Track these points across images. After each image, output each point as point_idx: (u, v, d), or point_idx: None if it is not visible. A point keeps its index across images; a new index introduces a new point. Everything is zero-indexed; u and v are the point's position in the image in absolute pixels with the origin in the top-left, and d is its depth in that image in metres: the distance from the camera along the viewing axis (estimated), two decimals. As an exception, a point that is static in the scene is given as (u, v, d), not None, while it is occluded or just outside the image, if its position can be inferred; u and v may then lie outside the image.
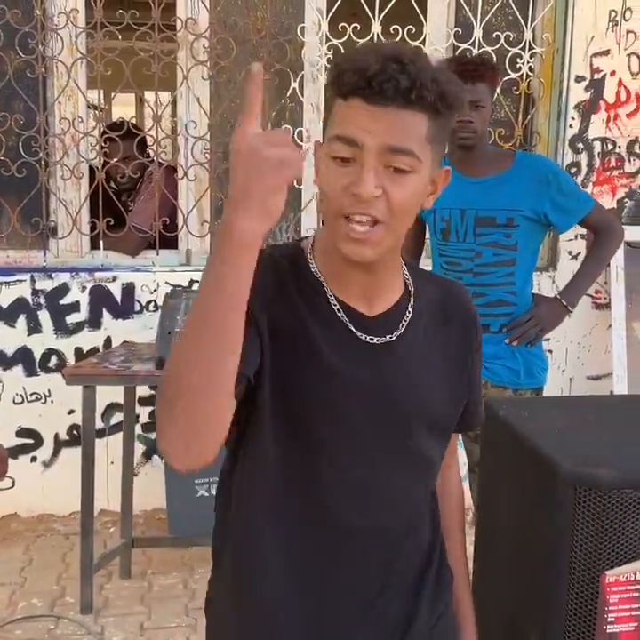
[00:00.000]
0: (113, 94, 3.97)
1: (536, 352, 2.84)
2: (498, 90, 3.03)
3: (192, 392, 1.04)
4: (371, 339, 1.26)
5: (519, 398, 2.59)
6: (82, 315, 3.74)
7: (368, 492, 1.28)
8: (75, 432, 3.78)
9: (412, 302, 1.31)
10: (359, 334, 1.26)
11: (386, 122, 1.13)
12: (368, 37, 3.78)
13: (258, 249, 1.05)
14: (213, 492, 3.83)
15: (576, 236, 4.00)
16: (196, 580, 3.38)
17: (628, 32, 4.00)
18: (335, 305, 1.26)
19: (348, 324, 1.26)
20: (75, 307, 3.73)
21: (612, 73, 4.02)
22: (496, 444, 1.59)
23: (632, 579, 1.23)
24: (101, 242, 3.77)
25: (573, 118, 4.03)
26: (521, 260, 2.79)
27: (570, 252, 4.07)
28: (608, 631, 1.24)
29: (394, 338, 1.28)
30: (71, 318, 3.73)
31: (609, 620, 1.23)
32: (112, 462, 3.77)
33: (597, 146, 4.08)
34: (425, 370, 1.31)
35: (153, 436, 3.89)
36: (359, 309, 1.27)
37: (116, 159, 3.77)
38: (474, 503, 2.70)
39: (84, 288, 3.72)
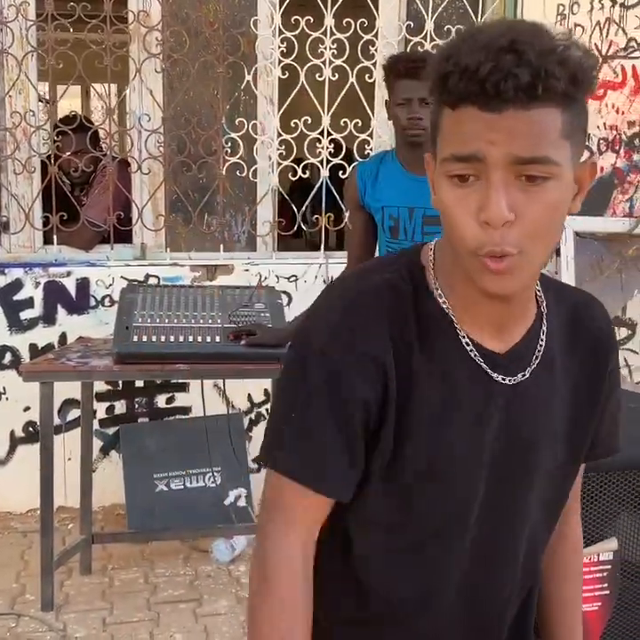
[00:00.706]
0: (65, 88, 3.91)
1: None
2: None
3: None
4: (503, 379, 1.08)
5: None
6: (36, 311, 3.70)
7: (483, 552, 1.12)
8: (31, 429, 3.75)
9: (544, 327, 1.11)
10: (494, 375, 1.07)
11: (510, 128, 0.91)
12: (321, 31, 3.80)
13: None
14: (173, 486, 3.84)
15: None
16: (157, 575, 3.38)
17: (575, 25, 4.07)
18: (468, 344, 1.07)
19: (478, 359, 1.07)
20: (28, 302, 3.69)
21: (561, 66, 4.08)
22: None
23: (596, 560, 1.27)
24: (55, 237, 3.74)
25: (523, 111, 4.08)
26: None
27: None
28: (573, 611, 1.28)
29: (527, 375, 1.09)
30: (25, 314, 3.69)
31: (574, 600, 1.27)
32: (69, 459, 3.74)
33: (547, 138, 4.14)
34: (556, 410, 1.12)
35: (110, 431, 3.88)
36: (491, 348, 1.08)
37: (68, 153, 3.73)
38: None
39: (37, 283, 3.68)
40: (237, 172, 3.85)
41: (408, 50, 3.94)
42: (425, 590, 1.11)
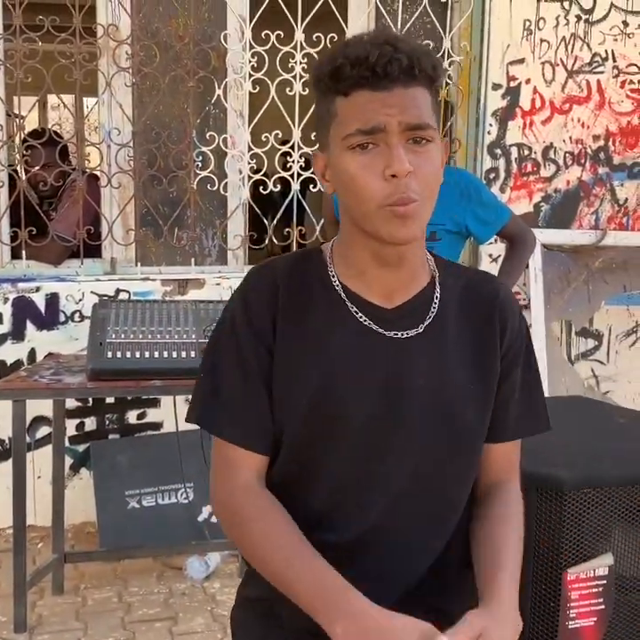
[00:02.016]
0: (35, 101, 3.87)
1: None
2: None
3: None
4: (394, 334, 1.23)
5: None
6: (4, 327, 3.65)
7: (371, 494, 1.24)
8: (-1, 447, 3.70)
9: (438, 291, 1.27)
10: (378, 329, 1.23)
11: (399, 102, 1.13)
12: (291, 45, 3.81)
13: None
14: (144, 503, 3.80)
15: (495, 240, 4.09)
16: (131, 594, 3.33)
17: (541, 41, 4.13)
18: (352, 307, 1.23)
19: (365, 320, 1.23)
20: (-3, 318, 3.64)
21: (528, 81, 4.14)
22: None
23: (592, 575, 1.28)
24: (23, 251, 3.69)
25: (491, 125, 4.14)
26: None
27: (490, 255, 4.18)
28: (570, 627, 1.29)
29: (421, 330, 1.23)
30: (-7, 330, 3.64)
31: (571, 615, 1.28)
32: (39, 476, 3.70)
33: (514, 152, 4.20)
34: (456, 365, 1.25)
35: (80, 448, 3.83)
36: (379, 304, 1.24)
37: (37, 167, 3.69)
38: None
39: (6, 299, 3.63)
40: (208, 186, 3.84)
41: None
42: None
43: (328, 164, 1.21)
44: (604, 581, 1.30)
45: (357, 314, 1.23)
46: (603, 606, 1.32)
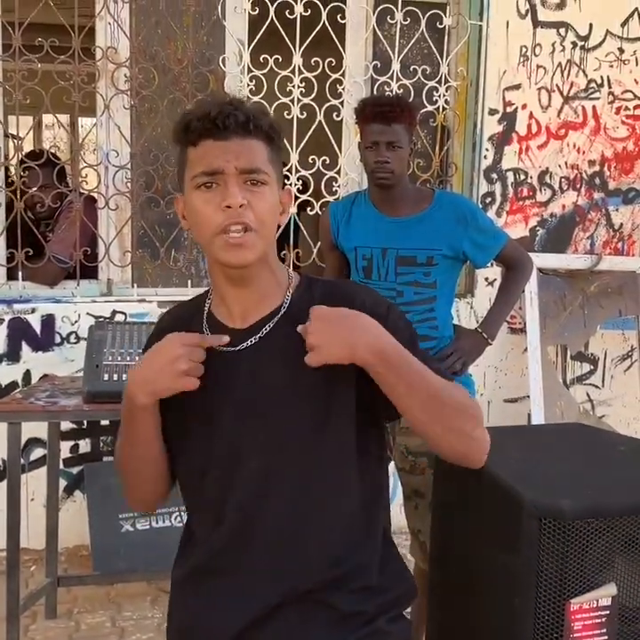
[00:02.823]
0: (35, 121, 3.87)
1: (463, 379, 2.90)
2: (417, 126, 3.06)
3: (132, 481, 1.58)
4: (233, 348, 1.43)
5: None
6: (0, 348, 3.64)
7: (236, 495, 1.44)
8: (-7, 469, 3.67)
9: (280, 314, 1.45)
10: (226, 349, 1.43)
11: (235, 150, 1.37)
12: (289, 69, 3.83)
13: (149, 411, 1.45)
14: (138, 527, 3.77)
15: (491, 264, 4.10)
16: (125, 618, 3.31)
17: (537, 67, 4.16)
18: (206, 328, 1.48)
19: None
20: (-8, 339, 3.62)
21: (524, 106, 4.17)
22: (451, 473, 1.62)
23: (595, 606, 1.28)
24: (20, 273, 3.68)
25: (487, 150, 4.16)
26: (441, 296, 2.84)
27: (486, 279, 4.18)
28: (573, 657, 1.28)
29: (244, 347, 1.43)
30: (-12, 351, 3.63)
31: (574, 646, 1.27)
32: (32, 499, 3.68)
33: (510, 176, 4.22)
34: (279, 378, 1.42)
35: (74, 470, 3.81)
36: (231, 325, 1.46)
37: (34, 188, 3.69)
38: (412, 532, 2.74)
39: (1, 320, 3.62)
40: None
41: (375, 89, 4.00)
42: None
43: (185, 203, 1.44)
44: (608, 612, 1.30)
45: (208, 333, 1.47)
46: (606, 637, 1.31)
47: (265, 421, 1.40)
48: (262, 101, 3.72)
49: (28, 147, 4.23)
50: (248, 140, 1.37)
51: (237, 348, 1.43)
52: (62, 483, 3.71)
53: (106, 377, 2.93)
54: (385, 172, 2.73)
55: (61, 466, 3.67)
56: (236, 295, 1.46)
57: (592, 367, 4.53)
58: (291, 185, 3.93)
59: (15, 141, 3.66)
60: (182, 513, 3.66)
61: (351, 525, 1.41)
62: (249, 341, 1.43)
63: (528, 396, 4.17)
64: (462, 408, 1.38)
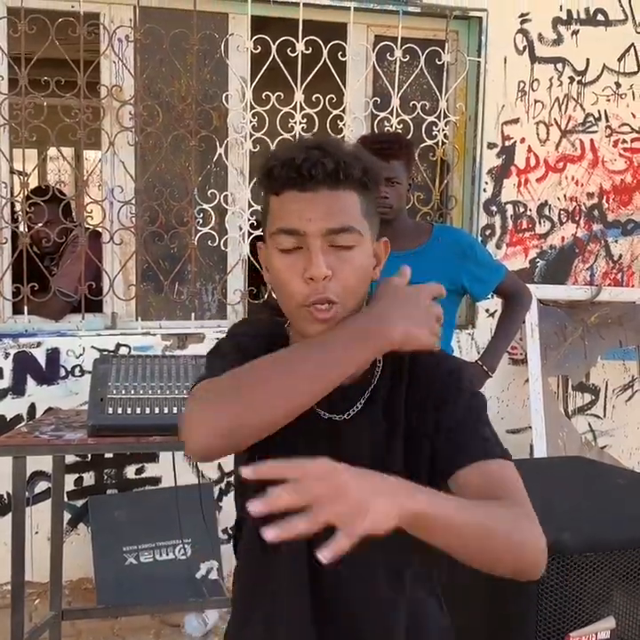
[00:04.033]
0: (42, 156, 3.93)
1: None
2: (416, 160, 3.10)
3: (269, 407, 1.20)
4: (330, 416, 1.29)
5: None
6: (5, 381, 3.66)
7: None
8: (-3, 502, 3.69)
9: (377, 373, 1.31)
10: (319, 411, 1.28)
11: (321, 205, 1.20)
12: (291, 106, 3.89)
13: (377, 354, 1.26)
14: (142, 559, 3.79)
15: (491, 295, 4.15)
16: (128, 651, 3.31)
17: (535, 101, 4.22)
18: None
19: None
20: (-2, 374, 3.66)
21: (522, 140, 4.23)
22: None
23: (594, 639, 1.29)
24: (25, 307, 3.72)
25: (487, 183, 4.21)
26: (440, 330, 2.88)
27: (487, 310, 4.22)
28: (573, 690, 1.29)
29: (349, 416, 1.28)
30: (-6, 385, 3.66)
31: (574, 679, 1.29)
32: (37, 532, 3.68)
33: (510, 209, 4.27)
34: (378, 449, 1.27)
35: (79, 503, 3.82)
36: None
37: (40, 224, 3.74)
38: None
39: (7, 354, 3.65)
40: (209, 242, 3.90)
41: (375, 125, 4.06)
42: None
43: (266, 257, 1.29)
44: (607, 645, 1.32)
45: None
46: (605, 670, 1.33)
47: None
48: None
49: (32, 179, 4.27)
50: (338, 192, 1.21)
51: (337, 417, 1.29)
52: (67, 515, 3.72)
53: (110, 410, 2.95)
54: (384, 207, 2.77)
55: (65, 498, 3.69)
56: None
57: (593, 397, 4.55)
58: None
59: (21, 177, 3.72)
60: (186, 546, 3.67)
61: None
62: (348, 412, 1.29)
63: (530, 427, 4.19)
64: (514, 532, 1.17)
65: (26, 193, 3.76)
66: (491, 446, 1.27)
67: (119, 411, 2.96)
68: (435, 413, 1.28)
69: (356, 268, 1.22)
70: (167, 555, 3.74)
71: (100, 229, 3.86)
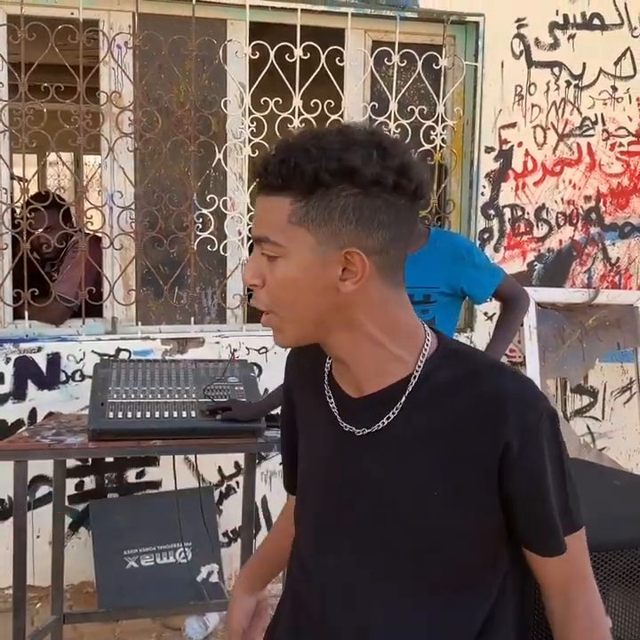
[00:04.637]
0: (42, 162, 3.95)
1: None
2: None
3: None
4: (351, 429, 1.24)
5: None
6: (6, 386, 3.68)
7: (332, 589, 1.27)
8: (-2, 506, 3.71)
9: (410, 389, 1.21)
10: (340, 422, 1.25)
11: (256, 212, 1.19)
12: (289, 111, 3.91)
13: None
14: (143, 563, 3.80)
15: (490, 298, 4.17)
16: (130, 655, 3.33)
17: (532, 106, 4.25)
18: (328, 393, 1.29)
19: (335, 410, 1.27)
20: (-1, 378, 3.67)
21: (520, 144, 4.25)
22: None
23: (590, 638, 1.30)
24: (26, 312, 3.74)
25: (484, 187, 4.23)
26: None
27: (485, 314, 4.24)
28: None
29: (375, 429, 1.22)
30: (-5, 390, 3.68)
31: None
32: (38, 536, 3.70)
33: (508, 212, 4.29)
34: (411, 468, 1.20)
35: (80, 507, 3.84)
36: (349, 393, 1.26)
37: (40, 229, 3.76)
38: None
39: (8, 359, 3.67)
40: (208, 247, 3.92)
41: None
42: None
43: None
44: (603, 645, 1.33)
45: (331, 402, 1.28)
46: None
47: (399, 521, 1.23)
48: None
49: (32, 184, 4.30)
50: (270, 198, 1.15)
51: (358, 431, 1.24)
52: (67, 520, 3.74)
53: (111, 415, 2.97)
54: None
55: (66, 503, 3.70)
56: (342, 368, 1.27)
57: (592, 400, 4.57)
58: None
59: (22, 183, 3.74)
60: (186, 549, 3.69)
61: None
62: (373, 427, 1.22)
63: (528, 429, 4.20)
64: None
65: (26, 199, 3.78)
66: (546, 542, 1.21)
67: (120, 415, 2.97)
68: (491, 469, 1.16)
69: (279, 280, 1.16)
70: (168, 558, 3.75)
71: (99, 235, 3.88)
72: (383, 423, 1.21)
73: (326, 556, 1.28)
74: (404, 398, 1.21)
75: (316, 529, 1.32)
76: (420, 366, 1.22)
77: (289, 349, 1.40)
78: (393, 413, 1.21)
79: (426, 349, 1.24)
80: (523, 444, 1.15)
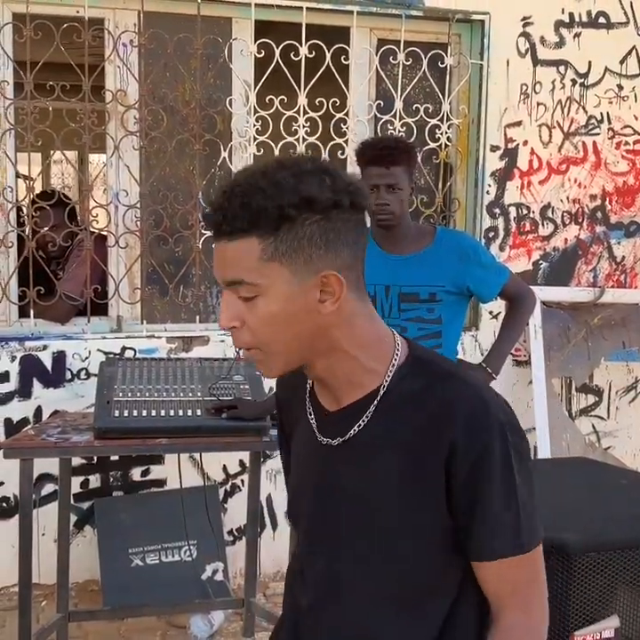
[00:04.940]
0: (47, 160, 3.95)
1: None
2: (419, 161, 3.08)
3: None
4: (327, 441, 1.30)
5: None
6: (11, 384, 3.68)
7: (316, 591, 1.34)
8: (4, 504, 3.71)
9: (378, 399, 1.26)
10: (317, 435, 1.32)
11: (219, 257, 1.19)
12: (294, 109, 3.91)
13: None
14: (148, 561, 3.81)
15: (495, 297, 4.17)
16: (135, 653, 3.33)
17: (538, 104, 4.24)
18: (309, 408, 1.35)
19: (314, 424, 1.33)
20: (4, 377, 3.67)
21: (525, 142, 4.25)
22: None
23: (598, 638, 1.31)
24: (31, 310, 3.74)
25: (490, 185, 4.23)
26: (446, 333, 2.89)
27: (491, 312, 4.23)
28: (578, 689, 1.31)
29: (346, 438, 1.27)
30: (0, 388, 3.67)
31: (578, 677, 1.30)
32: (43, 534, 3.70)
33: (513, 211, 4.28)
34: (373, 477, 1.25)
35: (85, 505, 3.84)
36: (326, 406, 1.32)
37: (46, 228, 3.76)
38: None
39: (13, 357, 3.67)
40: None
41: (378, 127, 4.07)
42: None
43: None
44: (611, 643, 1.33)
45: (311, 416, 1.34)
46: (609, 668, 1.34)
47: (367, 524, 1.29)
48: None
49: (37, 183, 4.30)
50: (232, 242, 1.17)
51: (330, 441, 1.30)
52: (73, 518, 3.74)
53: (116, 413, 2.97)
54: (385, 214, 2.80)
55: (72, 501, 3.71)
56: (318, 386, 1.33)
57: (597, 399, 4.56)
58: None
59: (27, 182, 3.74)
60: (191, 547, 3.69)
61: None
62: (342, 437, 1.28)
63: (534, 429, 4.20)
64: None
65: (31, 197, 3.78)
66: (515, 540, 1.21)
67: (125, 413, 2.97)
68: (442, 472, 1.20)
69: (261, 317, 1.18)
70: (173, 556, 3.76)
71: (105, 233, 3.88)
72: (354, 431, 1.27)
73: (314, 557, 1.35)
74: (372, 408, 1.26)
75: (306, 532, 1.38)
76: (388, 377, 1.26)
77: None
78: (362, 422, 1.26)
79: (396, 359, 1.28)
80: (467, 445, 1.18)
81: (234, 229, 1.15)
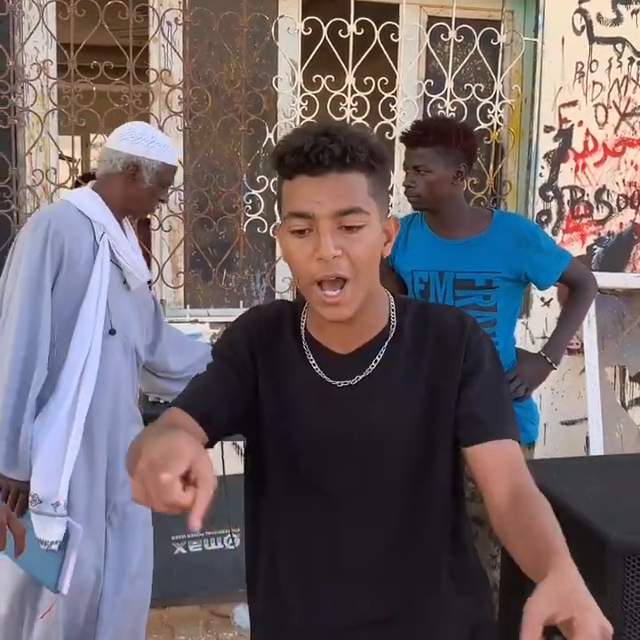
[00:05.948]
0: (92, 140, 3.90)
1: (525, 405, 2.82)
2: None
3: None
4: (340, 383, 1.38)
5: (539, 460, 2.54)
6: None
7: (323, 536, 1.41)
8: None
9: (388, 341, 1.39)
10: (327, 379, 1.38)
11: (329, 188, 1.26)
12: (342, 89, 3.81)
13: None
14: (191, 549, 3.75)
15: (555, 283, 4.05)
16: (178, 642, 3.28)
17: (594, 83, 4.09)
18: (309, 354, 1.40)
19: (317, 368, 1.39)
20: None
21: (580, 123, 4.10)
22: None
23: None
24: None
25: (543, 167, 4.10)
26: (501, 320, 2.76)
27: (542, 299, 4.11)
28: None
29: (356, 381, 1.37)
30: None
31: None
32: (86, 520, 3.66)
33: (567, 194, 4.15)
34: (392, 413, 1.36)
35: (127, 491, 3.80)
36: (334, 350, 1.39)
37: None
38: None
39: (56, 341, 3.63)
40: (258, 229, 3.84)
41: (428, 108, 3.96)
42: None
43: (280, 236, 1.35)
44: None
45: (312, 362, 1.40)
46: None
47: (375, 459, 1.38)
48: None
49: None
50: (345, 174, 1.26)
51: (347, 382, 1.38)
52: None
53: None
54: (412, 196, 2.71)
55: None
56: (335, 330, 1.38)
57: (652, 387, 4.42)
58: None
59: (70, 163, 3.69)
60: (234, 535, 3.64)
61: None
62: (354, 379, 1.38)
63: (585, 419, 4.08)
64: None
65: (75, 179, 3.73)
66: (508, 426, 1.35)
67: (169, 399, 2.92)
68: (458, 382, 1.36)
69: (365, 246, 1.28)
70: (216, 544, 3.70)
71: (148, 216, 3.82)
72: (369, 370, 1.37)
73: (311, 499, 1.40)
74: (385, 347, 1.39)
75: (298, 478, 1.40)
76: (393, 317, 1.41)
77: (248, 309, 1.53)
78: (376, 362, 1.38)
79: (391, 301, 1.43)
80: (470, 351, 1.37)
81: (353, 161, 1.26)
